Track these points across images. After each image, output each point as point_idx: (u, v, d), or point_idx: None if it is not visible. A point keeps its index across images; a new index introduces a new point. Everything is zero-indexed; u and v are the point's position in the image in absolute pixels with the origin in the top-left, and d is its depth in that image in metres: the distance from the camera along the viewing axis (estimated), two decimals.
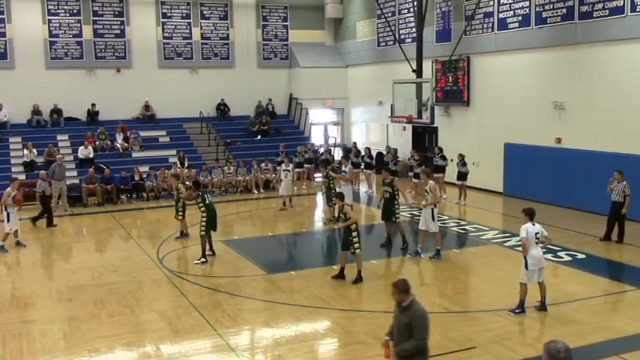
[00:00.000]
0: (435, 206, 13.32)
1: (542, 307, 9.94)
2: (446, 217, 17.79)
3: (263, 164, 23.07)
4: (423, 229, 13.36)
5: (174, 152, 24.68)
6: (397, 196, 14.15)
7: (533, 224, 9.81)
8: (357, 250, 11.68)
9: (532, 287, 9.86)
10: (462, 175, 19.54)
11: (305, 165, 24.07)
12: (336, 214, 16.20)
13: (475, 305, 10.29)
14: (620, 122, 16.72)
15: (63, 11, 25.56)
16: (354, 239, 11.66)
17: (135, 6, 26.60)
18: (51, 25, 25.41)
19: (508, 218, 17.82)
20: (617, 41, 16.69)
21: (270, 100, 28.81)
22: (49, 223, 17.43)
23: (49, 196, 18.00)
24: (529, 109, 19.54)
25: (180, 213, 15.64)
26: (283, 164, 19.97)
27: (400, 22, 25.33)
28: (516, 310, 9.82)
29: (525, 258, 9.72)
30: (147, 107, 26.73)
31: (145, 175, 21.68)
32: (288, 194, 19.39)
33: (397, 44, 23.78)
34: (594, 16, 17.18)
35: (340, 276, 11.83)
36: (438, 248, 13.30)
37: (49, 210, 17.72)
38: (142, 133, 25.39)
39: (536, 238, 9.78)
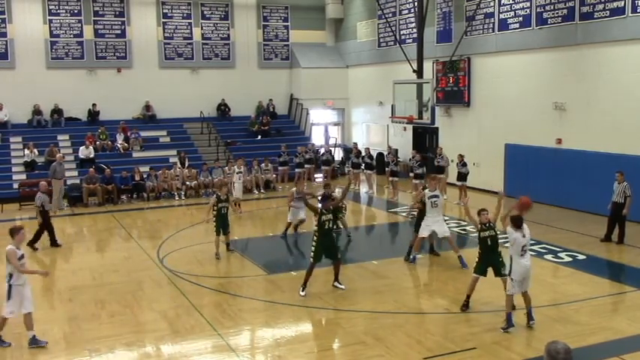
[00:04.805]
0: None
1: (529, 318, 9.29)
2: (446, 218, 17.76)
3: (263, 164, 23.08)
4: (423, 236, 12.93)
5: (174, 152, 24.70)
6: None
7: (523, 236, 9.04)
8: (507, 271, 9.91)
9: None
10: (462, 176, 19.53)
11: (305, 165, 24.06)
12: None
13: (475, 306, 10.27)
14: (621, 123, 16.71)
15: (64, 11, 25.58)
16: (504, 259, 9.94)
17: (135, 6, 26.62)
18: (52, 25, 25.43)
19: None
20: (617, 42, 16.69)
21: (270, 100, 28.82)
22: (53, 242, 15.20)
23: (48, 212, 15.35)
24: (530, 110, 19.54)
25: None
26: (235, 167, 19.85)
27: (401, 22, 25.32)
28: (505, 327, 9.12)
29: (510, 267, 9.03)
30: (147, 107, 26.75)
31: (145, 175, 21.70)
32: (240, 197, 19.15)
33: (398, 45, 23.78)
34: (595, 16, 17.18)
35: (468, 304, 10.24)
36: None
37: (51, 227, 15.21)
38: (143, 133, 25.41)
39: (522, 250, 9.02)
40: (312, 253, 11.08)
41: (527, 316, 9.30)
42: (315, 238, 11.13)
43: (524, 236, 9.09)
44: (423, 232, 12.83)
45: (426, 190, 12.87)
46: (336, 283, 11.42)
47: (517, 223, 9.09)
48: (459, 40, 21.39)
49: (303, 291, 11.05)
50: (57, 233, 15.40)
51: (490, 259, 9.96)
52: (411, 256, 13.07)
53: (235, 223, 17.76)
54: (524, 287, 9.22)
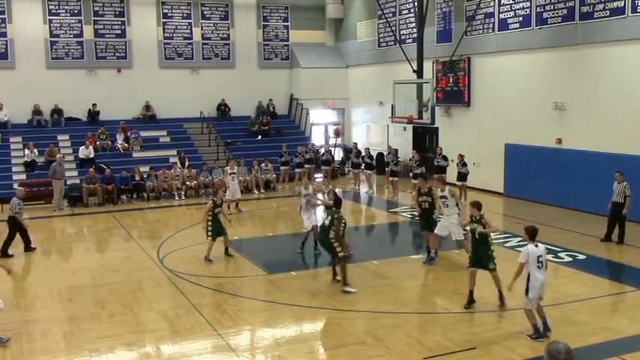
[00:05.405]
0: (460, 210, 12.92)
1: (545, 329, 9.02)
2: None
3: (263, 164, 23.08)
4: (440, 235, 12.82)
5: (174, 152, 24.70)
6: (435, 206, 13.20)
7: (536, 245, 8.85)
8: (496, 266, 10.15)
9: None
10: (462, 176, 19.52)
11: (305, 165, 24.03)
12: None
13: (475, 306, 10.27)
14: (621, 123, 16.71)
15: (64, 11, 25.57)
16: (493, 253, 10.21)
17: (135, 6, 26.61)
18: (52, 25, 25.42)
19: (509, 219, 17.81)
20: (617, 42, 16.69)
21: (270, 100, 28.81)
22: (28, 247, 14.66)
23: (17, 217, 14.47)
24: (530, 110, 19.54)
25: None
26: (228, 168, 19.74)
27: (401, 22, 25.32)
28: (533, 337, 8.89)
29: (527, 283, 8.76)
30: (147, 107, 26.75)
31: (145, 175, 21.69)
32: (236, 198, 18.98)
33: (398, 45, 23.78)
34: (595, 16, 17.18)
35: (472, 300, 10.33)
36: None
37: (13, 236, 14.42)
38: (143, 133, 25.41)
39: (539, 262, 8.78)
40: (339, 248, 11.04)
41: (543, 326, 9.00)
42: (334, 236, 11.05)
43: (537, 246, 8.86)
44: (442, 232, 12.78)
45: (438, 191, 12.92)
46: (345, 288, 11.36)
47: (531, 233, 8.95)
48: (459, 40, 21.38)
49: (349, 287, 11.07)
50: (56, 233, 15.34)
51: (478, 251, 10.21)
52: (429, 257, 13.00)
53: (236, 223, 17.79)
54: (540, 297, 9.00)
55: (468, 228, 10.60)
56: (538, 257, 8.80)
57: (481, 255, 10.21)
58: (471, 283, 10.29)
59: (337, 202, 11.81)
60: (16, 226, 14.43)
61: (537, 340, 8.85)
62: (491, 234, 10.48)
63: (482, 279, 10.41)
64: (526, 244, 8.99)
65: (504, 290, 9.84)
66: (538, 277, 8.78)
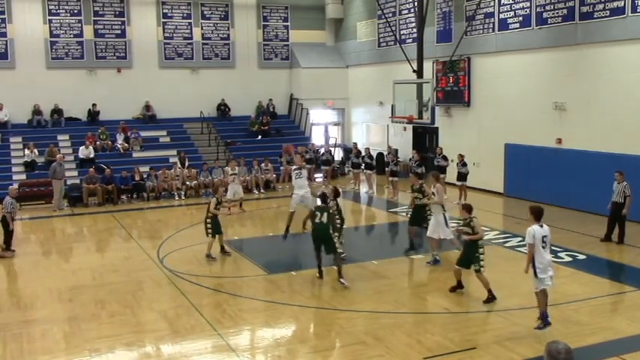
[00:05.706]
0: (445, 211, 12.88)
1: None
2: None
3: (263, 164, 23.08)
4: (433, 237, 12.77)
5: (174, 152, 24.71)
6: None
7: (541, 226, 8.93)
8: (482, 268, 10.42)
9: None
10: (462, 176, 19.52)
11: (306, 165, 23.98)
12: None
13: (475, 306, 10.28)
14: (621, 123, 16.72)
15: (64, 11, 25.58)
16: (481, 255, 10.43)
17: (135, 6, 26.61)
18: (52, 25, 25.43)
19: (508, 219, 17.82)
20: (617, 42, 16.69)
21: (270, 100, 28.82)
22: (7, 248, 14.45)
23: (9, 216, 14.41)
24: (530, 110, 19.54)
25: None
26: (229, 168, 19.71)
27: (401, 22, 25.32)
28: (540, 327, 9.03)
29: (534, 265, 8.88)
30: (147, 107, 26.75)
31: (145, 176, 21.69)
32: (238, 197, 18.95)
33: (398, 45, 23.78)
34: (595, 16, 17.18)
35: (460, 287, 10.92)
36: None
37: (11, 233, 14.52)
38: (143, 133, 25.41)
39: (543, 242, 8.88)
40: (338, 244, 11.70)
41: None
42: (333, 230, 11.59)
43: (541, 226, 8.95)
44: (433, 235, 12.75)
45: (431, 187, 12.99)
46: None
47: (536, 214, 9.04)
48: (459, 40, 21.38)
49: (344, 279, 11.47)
50: (56, 233, 15.29)
51: (467, 251, 10.58)
52: (432, 259, 12.93)
53: (236, 223, 17.83)
54: (549, 282, 9.05)
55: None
56: (543, 237, 8.93)
57: (470, 255, 10.50)
58: (455, 276, 10.93)
59: (324, 197, 12.04)
60: (7, 225, 14.41)
61: (542, 330, 8.96)
62: (483, 236, 10.75)
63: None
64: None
65: (497, 289, 9.87)
66: (544, 257, 8.92)
